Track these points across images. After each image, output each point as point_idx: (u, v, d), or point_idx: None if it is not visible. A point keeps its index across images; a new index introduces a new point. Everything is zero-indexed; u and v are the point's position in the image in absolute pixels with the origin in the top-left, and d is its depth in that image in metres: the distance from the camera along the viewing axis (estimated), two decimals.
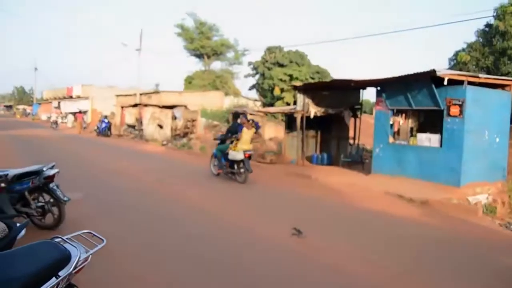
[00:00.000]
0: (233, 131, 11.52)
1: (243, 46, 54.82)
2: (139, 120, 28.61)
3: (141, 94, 31.62)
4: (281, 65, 33.18)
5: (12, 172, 5.96)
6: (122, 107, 33.10)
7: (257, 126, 11.44)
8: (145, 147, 22.23)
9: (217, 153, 11.88)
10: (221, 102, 32.95)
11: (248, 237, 6.24)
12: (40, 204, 6.04)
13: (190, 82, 41.36)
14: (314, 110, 15.08)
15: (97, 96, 43.43)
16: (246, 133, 11.04)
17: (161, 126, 26.47)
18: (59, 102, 53.54)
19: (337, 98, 15.29)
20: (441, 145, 10.80)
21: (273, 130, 24.28)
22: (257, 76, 35.95)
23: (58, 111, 50.33)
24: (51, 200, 6.04)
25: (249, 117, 11.84)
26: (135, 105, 30.19)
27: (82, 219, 6.76)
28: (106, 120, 30.10)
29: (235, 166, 11.21)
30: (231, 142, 11.35)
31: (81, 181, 10.48)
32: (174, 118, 25.60)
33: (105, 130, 29.38)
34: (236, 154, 10.91)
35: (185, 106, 26.05)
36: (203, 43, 42.24)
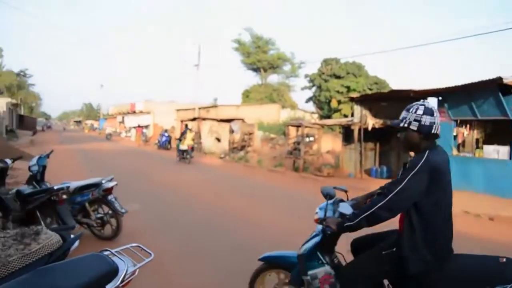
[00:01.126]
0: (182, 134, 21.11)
1: (299, 58, 55.21)
2: (198, 134, 29.31)
3: (199, 108, 32.46)
4: (338, 77, 32.78)
5: (74, 184, 6.28)
6: (181, 121, 34.12)
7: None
8: (203, 160, 22.72)
9: (177, 147, 21.21)
10: (277, 115, 33.05)
11: None
12: (99, 215, 6.30)
13: (247, 96, 41.95)
14: (372, 122, 14.71)
15: (158, 111, 45.10)
16: (189, 135, 20.66)
17: (218, 139, 26.97)
18: (123, 117, 56.18)
19: (396, 109, 14.77)
20: (510, 158, 10.08)
21: (330, 143, 23.93)
22: (314, 89, 35.75)
23: (122, 126, 52.85)
24: (110, 211, 6.27)
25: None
26: (194, 119, 31.00)
27: (137, 231, 6.98)
28: (166, 134, 31.13)
29: (184, 154, 20.57)
30: (180, 140, 20.91)
31: (139, 193, 10.84)
32: (232, 131, 25.98)
33: (165, 144, 30.37)
34: (182, 146, 20.61)
35: (242, 120, 26.38)
36: (259, 57, 42.80)
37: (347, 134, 17.38)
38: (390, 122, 14.56)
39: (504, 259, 2.52)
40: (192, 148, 20.80)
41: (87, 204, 6.24)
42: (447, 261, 2.62)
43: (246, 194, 11.47)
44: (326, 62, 34.50)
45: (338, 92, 31.79)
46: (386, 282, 2.98)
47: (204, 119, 29.67)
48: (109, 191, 6.23)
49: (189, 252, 5.99)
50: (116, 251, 2.79)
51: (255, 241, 6.55)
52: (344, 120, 18.93)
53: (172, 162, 20.63)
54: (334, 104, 31.68)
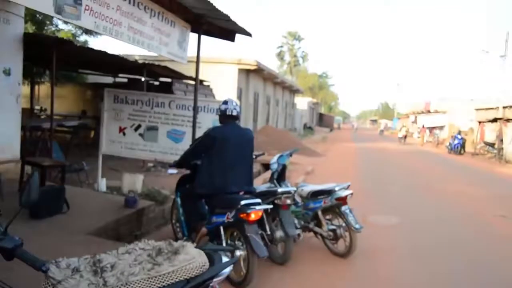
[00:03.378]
0: None
1: None
2: (499, 138, 25.04)
3: (504, 107, 27.66)
4: None
5: (308, 188, 5.81)
6: (479, 122, 30.01)
7: None
8: (501, 170, 19.12)
9: None
10: None
11: None
12: (332, 227, 5.62)
13: None
14: None
15: (454, 110, 41.32)
16: None
17: None
18: (415, 117, 54.26)
19: None
20: None
21: None
22: None
23: (416, 127, 51.07)
24: (343, 224, 5.49)
25: None
26: (495, 120, 26.65)
27: (381, 251, 5.93)
28: (459, 136, 28.02)
29: None
30: None
31: (405, 202, 9.62)
32: None
33: (457, 147, 27.34)
34: None
35: None
36: None
37: None
38: None
39: None
40: None
41: (319, 212, 5.66)
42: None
43: None
44: None
45: None
46: None
47: (508, 120, 25.07)
48: (343, 200, 5.47)
49: None
50: None
51: None
52: None
53: (464, 169, 18.10)
54: None
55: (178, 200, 5.35)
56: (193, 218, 4.93)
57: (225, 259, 2.57)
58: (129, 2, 4.95)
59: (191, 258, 2.42)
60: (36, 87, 16.09)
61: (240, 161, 4.68)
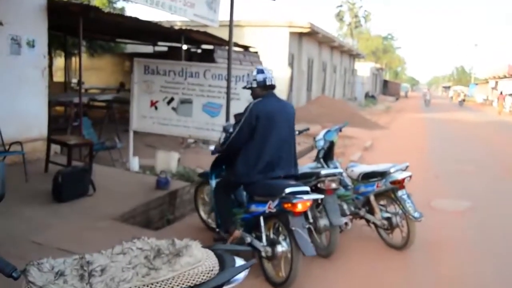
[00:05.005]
0: None
1: None
2: None
3: None
4: None
5: (358, 169, 5.45)
6: None
7: None
8: None
9: None
10: None
11: None
12: (386, 215, 5.24)
13: None
14: None
15: None
16: None
17: None
18: (496, 82, 51.25)
19: None
20: None
21: None
22: None
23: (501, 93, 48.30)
24: (400, 212, 5.09)
25: None
26: None
27: (446, 242, 5.51)
28: None
29: None
30: None
31: (478, 185, 8.95)
32: None
33: None
34: None
35: None
36: None
37: None
38: None
39: None
40: None
41: (372, 197, 5.28)
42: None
43: None
44: None
45: None
46: None
47: None
48: (399, 184, 5.04)
49: None
50: None
51: None
52: None
53: None
54: None
55: (213, 183, 5.01)
56: (227, 212, 4.61)
57: (239, 261, 2.31)
58: None
59: (196, 261, 2.17)
60: (73, 59, 16.45)
61: (285, 140, 4.35)
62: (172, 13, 5.65)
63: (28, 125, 7.25)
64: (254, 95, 4.45)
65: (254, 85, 4.37)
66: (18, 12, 7.02)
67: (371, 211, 5.33)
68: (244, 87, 4.62)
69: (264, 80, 4.32)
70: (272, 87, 4.39)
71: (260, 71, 4.39)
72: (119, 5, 16.61)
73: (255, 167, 4.18)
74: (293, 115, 4.54)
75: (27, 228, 4.70)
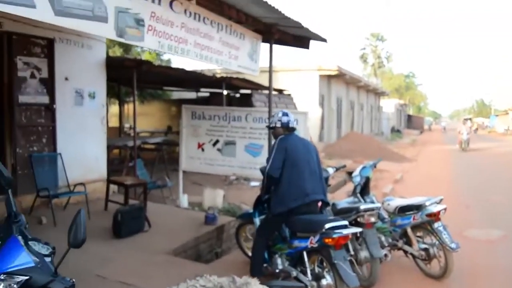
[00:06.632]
0: None
1: None
2: None
3: None
4: None
5: (394, 202, 5.32)
6: None
7: None
8: None
9: None
10: None
11: None
12: (423, 246, 5.07)
13: None
14: None
15: None
16: None
17: None
18: None
19: None
20: None
21: None
22: None
23: None
24: (436, 242, 4.92)
25: None
26: None
27: (480, 273, 5.23)
28: None
29: None
30: None
31: (509, 214, 8.56)
32: None
33: None
34: None
35: None
36: None
37: None
38: None
39: None
40: None
41: (409, 229, 5.14)
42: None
43: None
44: None
45: None
46: None
47: None
48: (435, 216, 4.89)
49: None
50: None
51: None
52: None
53: None
54: None
55: (257, 221, 4.93)
56: (259, 257, 4.52)
57: None
58: (194, 18, 4.85)
59: None
60: (126, 106, 16.99)
61: (314, 170, 4.36)
62: (219, 66, 5.82)
63: (90, 168, 7.46)
64: (275, 134, 4.56)
65: (278, 125, 4.49)
66: (81, 68, 7.36)
67: (408, 243, 5.18)
68: (267, 126, 4.83)
69: (288, 122, 4.46)
70: (293, 129, 4.54)
71: (285, 114, 4.54)
72: (165, 57, 17.14)
73: (289, 195, 4.18)
74: (316, 150, 4.62)
75: (92, 263, 4.75)
